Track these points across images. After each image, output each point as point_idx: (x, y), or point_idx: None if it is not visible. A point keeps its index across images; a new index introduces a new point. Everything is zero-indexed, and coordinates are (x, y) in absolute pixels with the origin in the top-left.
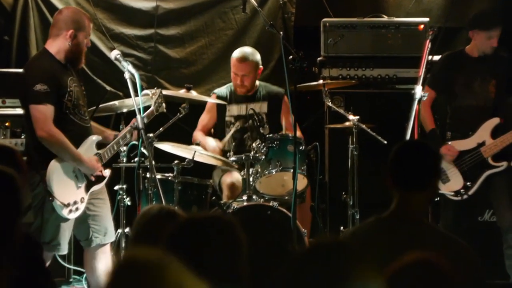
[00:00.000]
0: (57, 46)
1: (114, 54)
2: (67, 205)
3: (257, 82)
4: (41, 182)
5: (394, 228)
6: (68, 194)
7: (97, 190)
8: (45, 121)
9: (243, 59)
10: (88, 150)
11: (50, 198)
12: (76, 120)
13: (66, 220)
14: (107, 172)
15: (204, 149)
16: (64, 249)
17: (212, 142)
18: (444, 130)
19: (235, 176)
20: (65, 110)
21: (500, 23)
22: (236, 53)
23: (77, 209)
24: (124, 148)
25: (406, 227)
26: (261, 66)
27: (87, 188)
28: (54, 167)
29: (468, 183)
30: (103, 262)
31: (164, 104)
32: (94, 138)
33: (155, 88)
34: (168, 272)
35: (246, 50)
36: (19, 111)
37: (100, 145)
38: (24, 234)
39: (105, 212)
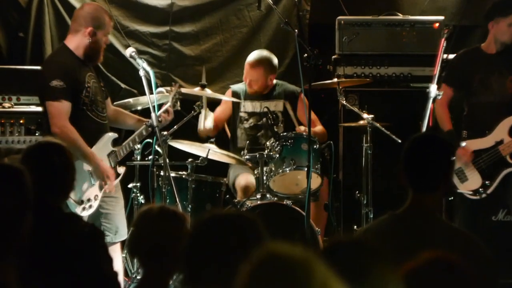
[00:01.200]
0: (76, 42)
1: (129, 52)
2: (81, 203)
3: (275, 81)
4: None
5: (408, 224)
6: (82, 192)
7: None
8: (59, 117)
9: (254, 65)
10: (104, 147)
11: None
12: (93, 117)
13: None
14: (121, 169)
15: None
16: None
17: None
18: (459, 129)
19: (249, 179)
20: (82, 106)
21: None
22: (251, 57)
23: (90, 206)
24: (138, 146)
25: (420, 223)
26: (274, 73)
27: (101, 186)
28: None
29: (486, 182)
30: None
31: (178, 102)
32: (110, 135)
33: (173, 83)
34: (315, 271)
35: (260, 55)
36: (34, 108)
37: (115, 142)
38: (87, 224)
39: (118, 210)
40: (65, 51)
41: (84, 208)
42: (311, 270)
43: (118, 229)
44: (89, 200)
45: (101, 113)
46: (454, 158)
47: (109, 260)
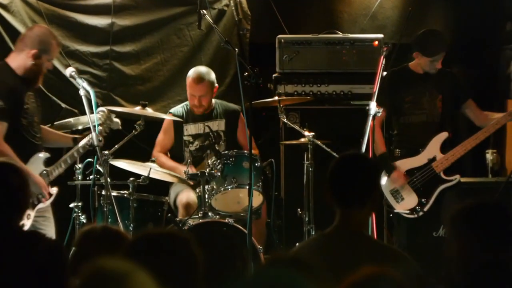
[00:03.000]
0: (18, 61)
1: (69, 71)
2: None
3: (213, 100)
4: None
5: (336, 243)
6: None
7: (43, 208)
8: None
9: (199, 80)
10: (35, 166)
11: None
12: (28, 137)
13: None
14: (54, 190)
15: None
16: None
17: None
18: (390, 148)
19: (191, 196)
20: (18, 126)
21: (444, 48)
22: (192, 74)
23: (23, 225)
24: (80, 165)
25: (347, 241)
26: (216, 85)
27: (33, 205)
28: None
29: (423, 200)
30: None
31: (118, 120)
32: (41, 155)
33: (103, 110)
34: (132, 280)
35: (201, 70)
36: None
37: (48, 162)
38: (45, 241)
39: (50, 230)
40: (6, 70)
41: None
42: (128, 280)
43: None
44: None
45: (36, 134)
46: (381, 174)
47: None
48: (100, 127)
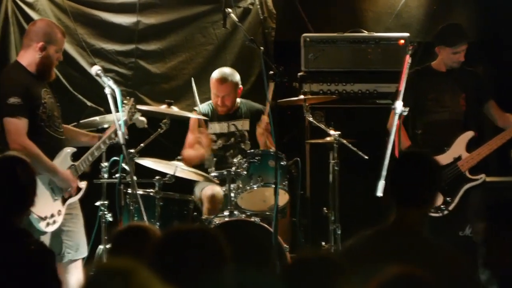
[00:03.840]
0: (28, 58)
1: (94, 70)
2: (44, 218)
3: (238, 100)
4: None
5: (391, 240)
6: (45, 207)
7: (72, 204)
8: (17, 134)
9: (223, 80)
10: (63, 162)
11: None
12: (51, 132)
13: (44, 233)
14: (83, 184)
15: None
16: None
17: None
18: (416, 147)
19: (216, 189)
20: (39, 122)
21: (465, 38)
22: (216, 74)
23: (54, 222)
24: (105, 164)
25: (403, 239)
26: (240, 86)
27: (64, 201)
28: None
29: (448, 198)
30: (75, 277)
31: (144, 119)
32: (69, 150)
33: (127, 97)
34: (133, 278)
35: (225, 71)
36: None
37: (75, 157)
38: (36, 242)
39: (78, 227)
40: (18, 68)
41: (48, 224)
42: (130, 278)
43: (79, 246)
44: (52, 215)
45: (58, 128)
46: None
47: (56, 283)
48: (125, 117)
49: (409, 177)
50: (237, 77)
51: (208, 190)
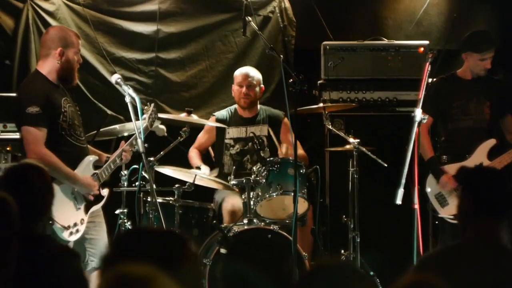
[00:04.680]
0: (48, 66)
1: (114, 78)
2: (67, 228)
3: (258, 106)
4: None
5: (475, 254)
6: (68, 216)
7: (95, 212)
8: (35, 143)
9: (248, 73)
10: (85, 170)
11: (50, 222)
12: (72, 141)
13: (67, 242)
14: (105, 192)
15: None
16: None
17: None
18: (439, 154)
19: (236, 203)
20: (60, 131)
21: (493, 45)
22: (240, 69)
23: (77, 231)
24: (125, 172)
25: (486, 253)
26: (262, 85)
27: (87, 209)
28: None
29: None
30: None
31: (164, 127)
32: (91, 159)
33: (148, 103)
34: (153, 285)
35: (249, 67)
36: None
37: (96, 166)
38: (60, 245)
39: (102, 235)
40: (39, 77)
41: (71, 233)
42: (151, 286)
43: None
44: (75, 224)
45: (79, 137)
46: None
47: (83, 283)
48: (146, 123)
49: (495, 191)
50: (260, 75)
51: (228, 204)
